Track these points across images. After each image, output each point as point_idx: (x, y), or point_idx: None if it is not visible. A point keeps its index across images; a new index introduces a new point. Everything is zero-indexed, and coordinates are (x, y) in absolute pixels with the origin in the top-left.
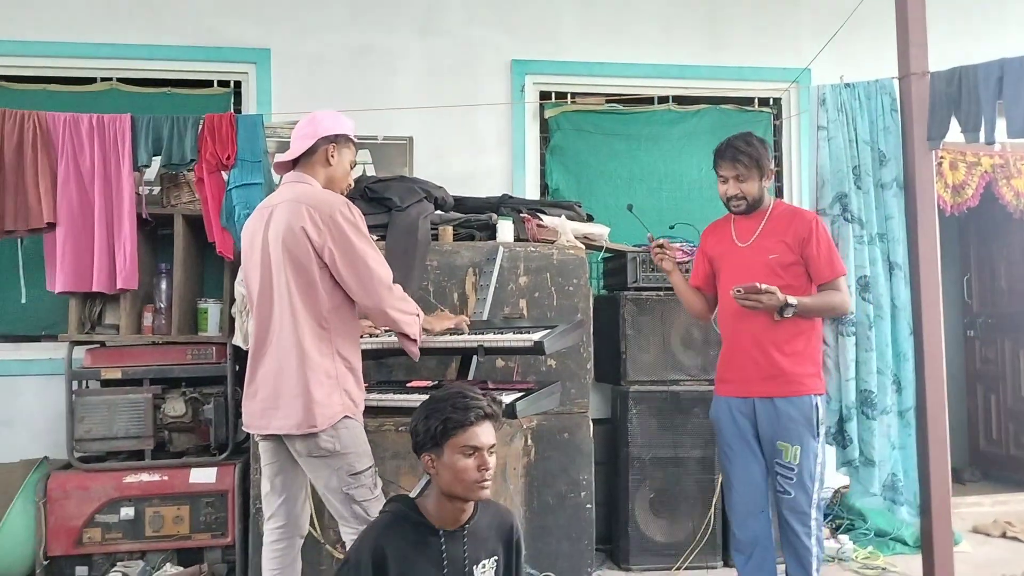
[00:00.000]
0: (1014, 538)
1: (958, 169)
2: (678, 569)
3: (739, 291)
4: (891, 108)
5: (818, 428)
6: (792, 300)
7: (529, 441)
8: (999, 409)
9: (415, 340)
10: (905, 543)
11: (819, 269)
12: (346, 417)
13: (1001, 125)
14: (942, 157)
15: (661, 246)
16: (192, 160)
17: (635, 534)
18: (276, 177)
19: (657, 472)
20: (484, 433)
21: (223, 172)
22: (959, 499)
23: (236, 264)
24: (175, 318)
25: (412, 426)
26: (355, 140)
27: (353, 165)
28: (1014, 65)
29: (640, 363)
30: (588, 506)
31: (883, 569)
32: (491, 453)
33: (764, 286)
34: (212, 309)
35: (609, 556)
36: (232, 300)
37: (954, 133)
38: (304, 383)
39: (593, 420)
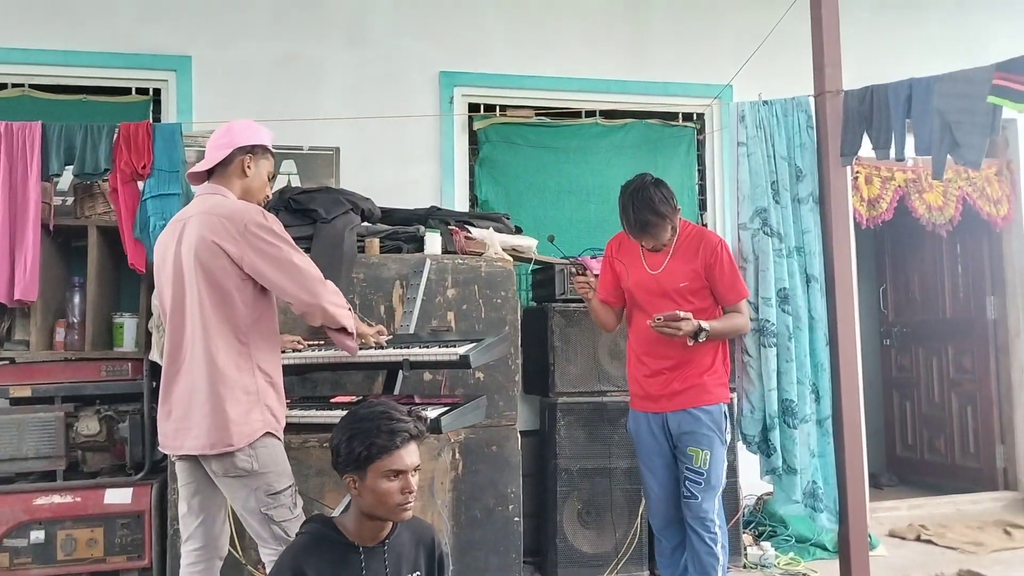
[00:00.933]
0: (928, 541)
1: (873, 183)
2: None
3: (659, 320)
4: (807, 125)
5: (725, 435)
6: (705, 325)
7: (457, 455)
8: (914, 415)
9: (352, 334)
10: (825, 548)
11: (724, 293)
12: (267, 435)
13: (910, 142)
14: (858, 172)
15: (584, 273)
16: (106, 169)
17: (563, 545)
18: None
19: (585, 483)
20: (409, 455)
21: (139, 182)
22: (877, 504)
23: (152, 277)
24: (89, 333)
25: (334, 444)
26: (273, 151)
27: (272, 176)
28: (921, 85)
29: (568, 375)
30: (516, 519)
31: (804, 575)
32: (415, 474)
33: (683, 314)
34: (128, 324)
35: (537, 568)
36: (149, 314)
37: (868, 149)
38: (218, 401)
39: (522, 432)
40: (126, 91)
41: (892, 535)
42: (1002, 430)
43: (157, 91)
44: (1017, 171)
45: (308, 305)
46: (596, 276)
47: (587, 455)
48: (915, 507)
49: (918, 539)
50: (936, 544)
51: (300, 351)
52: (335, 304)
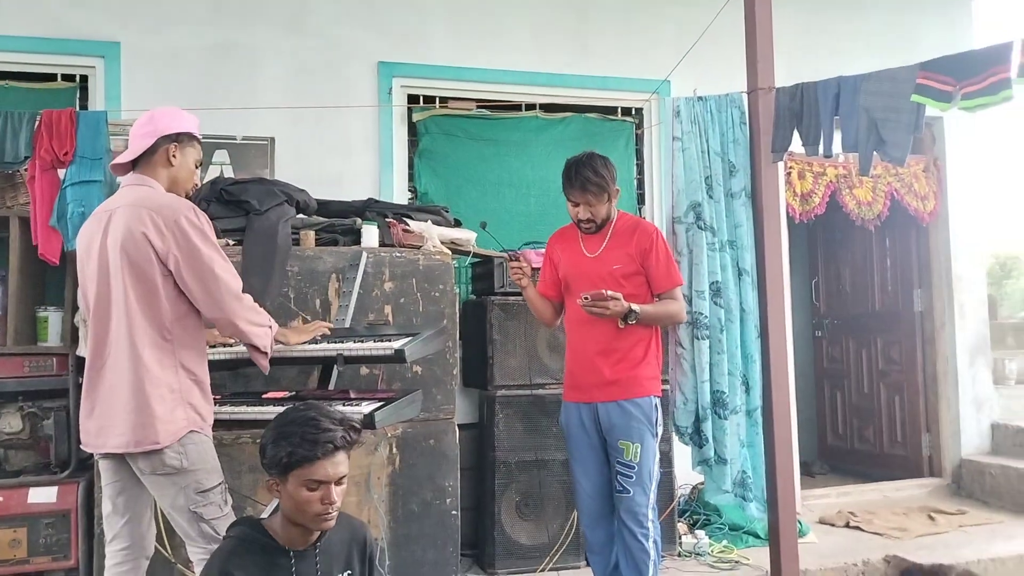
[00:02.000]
0: (856, 527)
1: (806, 179)
2: (542, 571)
3: (586, 298)
4: (740, 121)
5: (656, 428)
6: (635, 308)
7: (394, 449)
8: (844, 405)
9: (266, 353)
10: (757, 536)
11: (658, 279)
12: (192, 432)
13: (838, 139)
14: (791, 167)
15: (517, 259)
16: (26, 157)
17: (501, 538)
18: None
19: (523, 475)
20: (332, 466)
21: (59, 170)
22: (808, 491)
23: (73, 269)
24: (11, 327)
25: (261, 443)
26: (200, 138)
27: (199, 165)
28: (849, 83)
29: (507, 368)
30: (454, 512)
31: (736, 562)
32: (339, 484)
33: (610, 293)
34: (53, 317)
35: (475, 561)
36: (75, 308)
37: (799, 145)
38: (143, 398)
39: (460, 425)
40: (52, 77)
41: (822, 522)
42: (927, 419)
43: (84, 78)
44: (943, 167)
45: (216, 318)
46: (535, 269)
47: (525, 447)
48: (844, 494)
49: (847, 526)
50: (864, 530)
51: (229, 345)
52: (248, 321)
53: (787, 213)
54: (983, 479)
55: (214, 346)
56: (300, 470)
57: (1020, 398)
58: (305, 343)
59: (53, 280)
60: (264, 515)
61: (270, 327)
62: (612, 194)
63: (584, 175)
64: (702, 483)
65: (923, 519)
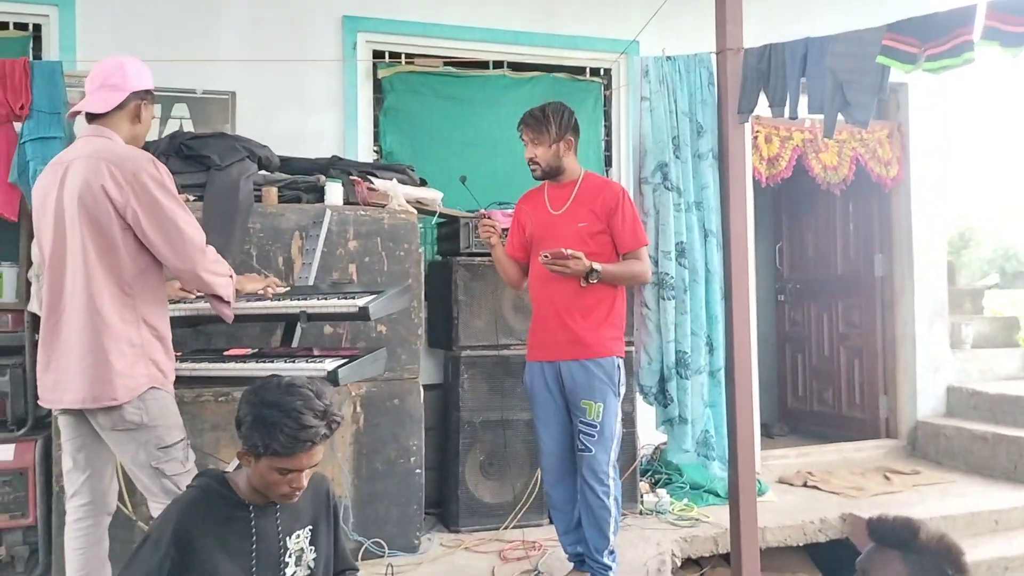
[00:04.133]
0: (814, 487)
1: (772, 142)
2: (506, 528)
3: (546, 256)
4: (708, 82)
5: (619, 388)
6: (597, 266)
7: (358, 408)
8: (805, 368)
9: (229, 302)
10: (718, 495)
11: (623, 239)
12: (153, 388)
13: (804, 101)
14: (758, 131)
15: (489, 217)
16: None
17: (465, 496)
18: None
19: (487, 435)
20: (308, 458)
21: (15, 124)
22: (767, 452)
23: (31, 224)
24: None
25: (238, 415)
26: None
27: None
28: (816, 44)
29: (472, 328)
30: (418, 471)
31: (696, 520)
32: (311, 470)
33: (570, 251)
34: (7, 273)
35: (440, 519)
36: (29, 263)
37: (765, 108)
38: (102, 353)
39: (425, 386)
40: (3, 26)
41: (781, 481)
42: (886, 382)
43: (38, 27)
44: (907, 134)
45: (181, 271)
46: (504, 230)
47: (489, 408)
48: (803, 455)
49: (805, 485)
50: (821, 489)
51: (190, 302)
52: (211, 272)
53: (753, 177)
54: (937, 440)
55: (175, 302)
56: (275, 459)
57: (975, 362)
58: (267, 300)
59: (7, 235)
60: (228, 470)
61: (231, 276)
62: (556, 138)
63: (530, 111)
64: (664, 443)
65: (879, 479)
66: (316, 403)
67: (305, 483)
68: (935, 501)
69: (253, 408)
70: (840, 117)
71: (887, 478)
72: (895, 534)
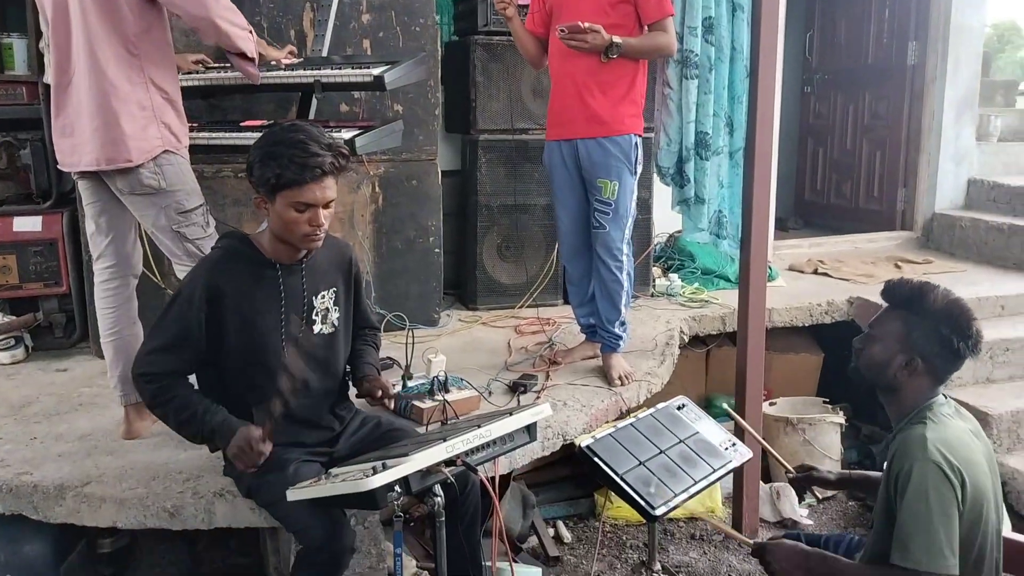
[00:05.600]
0: (824, 274)
1: None
2: (521, 307)
3: (563, 30)
4: None
5: (635, 166)
6: (618, 40)
7: (376, 188)
8: (825, 161)
9: (253, 59)
10: (728, 279)
11: (647, 9)
12: (167, 152)
13: None
14: None
15: None
16: None
17: (482, 276)
18: None
19: (504, 219)
20: (321, 190)
21: None
22: (780, 242)
23: None
24: None
25: (248, 160)
26: None
27: None
28: None
29: (490, 112)
30: (436, 250)
31: (706, 301)
32: (328, 207)
33: (587, 25)
34: (17, 45)
35: (458, 299)
36: (39, 34)
37: None
38: (112, 115)
39: (444, 172)
40: None
41: (792, 269)
42: (906, 174)
43: None
44: None
45: (197, 19)
46: (522, 6)
47: (507, 192)
48: (816, 245)
49: (815, 272)
50: (831, 276)
51: (202, 72)
52: (228, 21)
53: None
54: (953, 232)
55: (188, 73)
56: (288, 192)
57: (1001, 155)
58: (280, 71)
59: (12, 4)
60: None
61: (251, 32)
62: None
63: None
64: (679, 231)
65: (889, 267)
66: (321, 137)
67: (324, 222)
68: (944, 286)
69: (260, 149)
70: None
71: (898, 267)
72: (904, 295)
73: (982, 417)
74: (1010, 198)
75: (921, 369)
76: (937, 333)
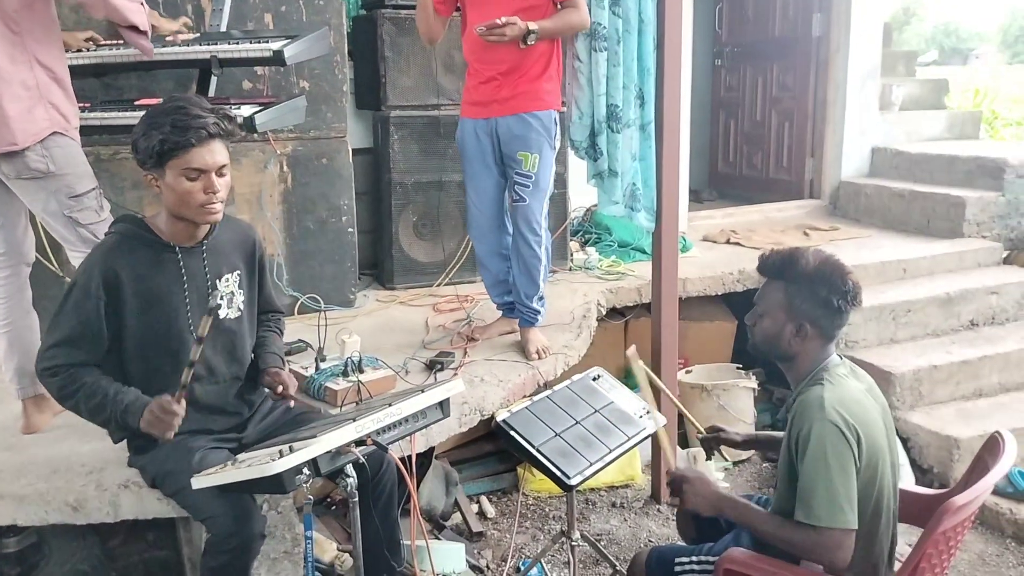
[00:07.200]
0: (736, 243)
1: None
2: (439, 285)
3: (482, 29)
4: None
5: (555, 141)
6: (533, 26)
7: (285, 167)
8: (737, 133)
9: (145, 32)
10: (644, 252)
11: None
12: (56, 134)
13: None
14: None
15: None
16: None
17: (399, 255)
18: None
19: (419, 197)
20: (209, 154)
21: None
22: (694, 214)
23: None
24: None
25: (132, 140)
26: None
27: None
28: None
29: (400, 87)
30: (350, 230)
31: (623, 274)
32: (221, 174)
33: (504, 19)
34: None
35: (375, 279)
36: None
37: None
38: None
39: (356, 150)
40: None
41: (705, 239)
42: (813, 144)
43: None
44: None
45: None
46: None
47: (421, 169)
48: (728, 215)
49: (727, 242)
50: (743, 246)
51: (93, 50)
52: None
53: None
54: (858, 199)
55: (78, 51)
56: (176, 159)
57: (902, 124)
58: (176, 47)
59: None
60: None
61: (143, 3)
62: None
63: None
64: (595, 205)
65: (798, 235)
66: (202, 102)
67: (220, 189)
68: (850, 252)
69: (142, 124)
70: None
71: (806, 234)
72: (777, 265)
73: (886, 376)
74: (910, 165)
75: (811, 333)
76: (815, 295)
